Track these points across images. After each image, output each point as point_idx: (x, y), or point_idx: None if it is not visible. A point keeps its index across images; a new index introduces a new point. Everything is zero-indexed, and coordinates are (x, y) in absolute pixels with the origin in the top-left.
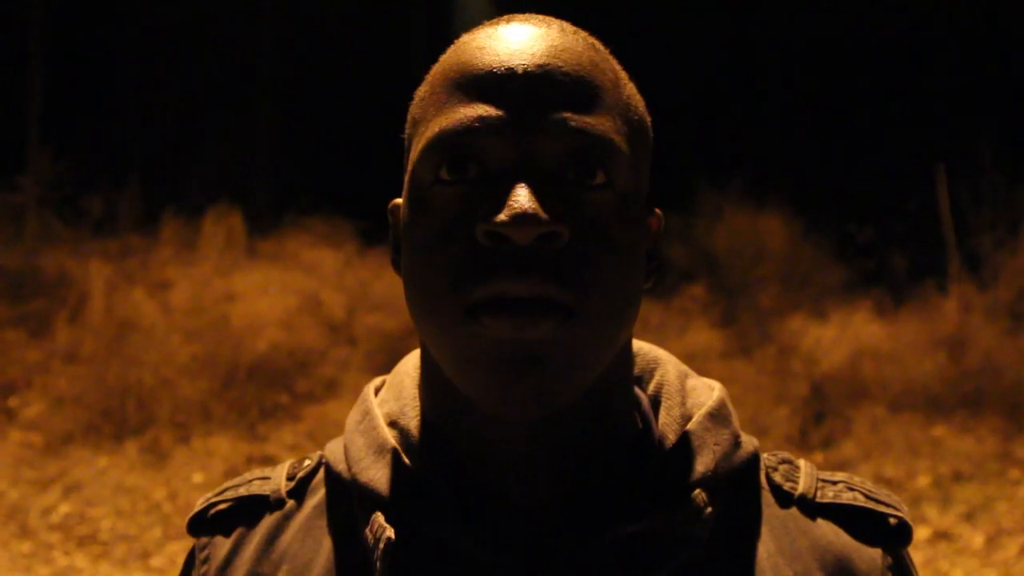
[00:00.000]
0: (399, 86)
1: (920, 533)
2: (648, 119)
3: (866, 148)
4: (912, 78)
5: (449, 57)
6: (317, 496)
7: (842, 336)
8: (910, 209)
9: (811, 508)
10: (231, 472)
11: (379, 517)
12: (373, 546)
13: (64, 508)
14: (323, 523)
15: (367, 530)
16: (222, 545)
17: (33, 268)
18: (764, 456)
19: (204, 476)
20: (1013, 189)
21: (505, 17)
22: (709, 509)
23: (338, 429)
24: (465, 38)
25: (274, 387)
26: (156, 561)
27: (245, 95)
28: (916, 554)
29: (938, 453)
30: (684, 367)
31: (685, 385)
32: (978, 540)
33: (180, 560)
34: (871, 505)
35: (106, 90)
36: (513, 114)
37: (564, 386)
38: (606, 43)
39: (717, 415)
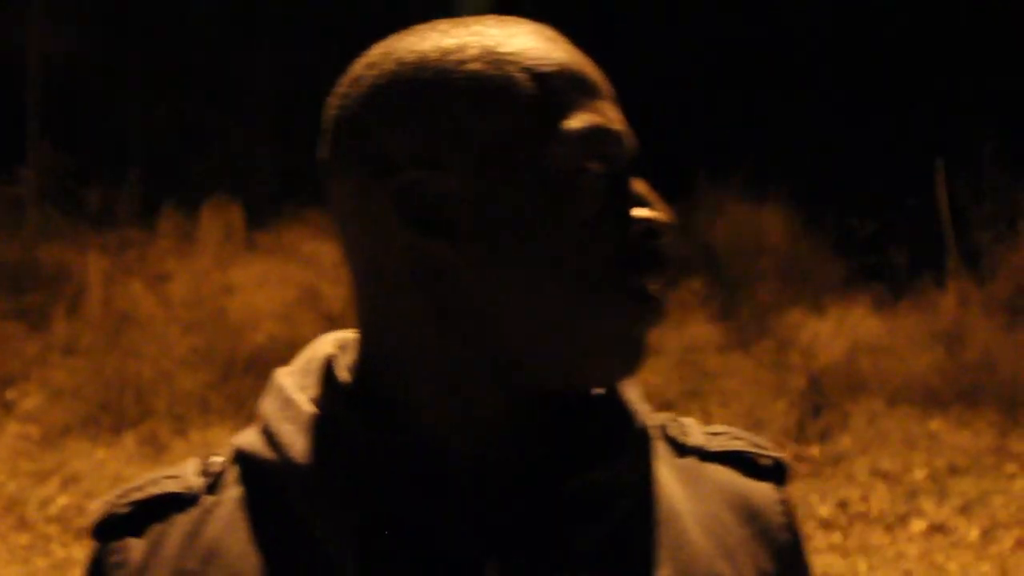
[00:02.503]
0: None
1: (916, 526)
2: None
3: (866, 143)
4: (912, 73)
5: (529, 50)
6: (236, 490)
7: (840, 330)
8: (909, 204)
9: (705, 456)
10: None
11: (330, 501)
12: (331, 534)
13: (62, 500)
14: (251, 516)
15: (316, 517)
16: (135, 547)
17: (32, 261)
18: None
19: None
20: (1012, 185)
21: (510, 19)
22: (644, 459)
23: None
24: (517, 35)
25: None
26: None
27: (243, 87)
28: (912, 547)
29: (935, 447)
30: None
31: None
32: (974, 533)
33: None
34: (755, 449)
35: (106, 83)
36: (621, 116)
37: None
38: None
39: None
